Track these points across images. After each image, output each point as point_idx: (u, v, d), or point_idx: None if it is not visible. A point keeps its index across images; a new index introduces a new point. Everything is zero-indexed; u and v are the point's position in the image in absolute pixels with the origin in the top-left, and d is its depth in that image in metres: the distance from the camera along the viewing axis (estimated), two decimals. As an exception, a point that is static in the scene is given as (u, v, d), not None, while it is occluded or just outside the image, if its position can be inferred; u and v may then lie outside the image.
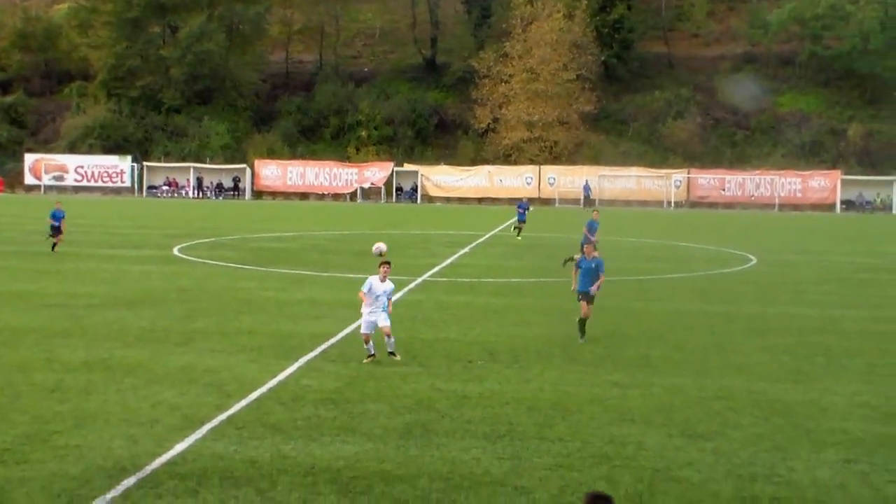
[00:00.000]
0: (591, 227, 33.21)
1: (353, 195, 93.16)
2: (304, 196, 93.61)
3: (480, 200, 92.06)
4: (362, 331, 17.21)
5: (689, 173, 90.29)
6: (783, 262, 37.58)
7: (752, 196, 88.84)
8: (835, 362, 18.29)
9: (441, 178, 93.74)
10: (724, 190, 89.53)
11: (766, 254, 40.52)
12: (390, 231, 51.20)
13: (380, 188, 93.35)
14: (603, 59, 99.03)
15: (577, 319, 19.77)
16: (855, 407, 14.90)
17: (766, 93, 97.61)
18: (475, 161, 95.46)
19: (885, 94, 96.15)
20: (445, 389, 15.51)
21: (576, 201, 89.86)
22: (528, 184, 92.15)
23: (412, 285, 28.27)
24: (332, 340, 19.42)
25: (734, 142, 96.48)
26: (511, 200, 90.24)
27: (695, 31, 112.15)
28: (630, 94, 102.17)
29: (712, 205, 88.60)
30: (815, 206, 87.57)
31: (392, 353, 17.21)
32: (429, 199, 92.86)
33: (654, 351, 18.98)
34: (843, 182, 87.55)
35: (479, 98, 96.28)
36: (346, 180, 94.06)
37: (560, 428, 13.45)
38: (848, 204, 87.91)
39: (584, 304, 19.69)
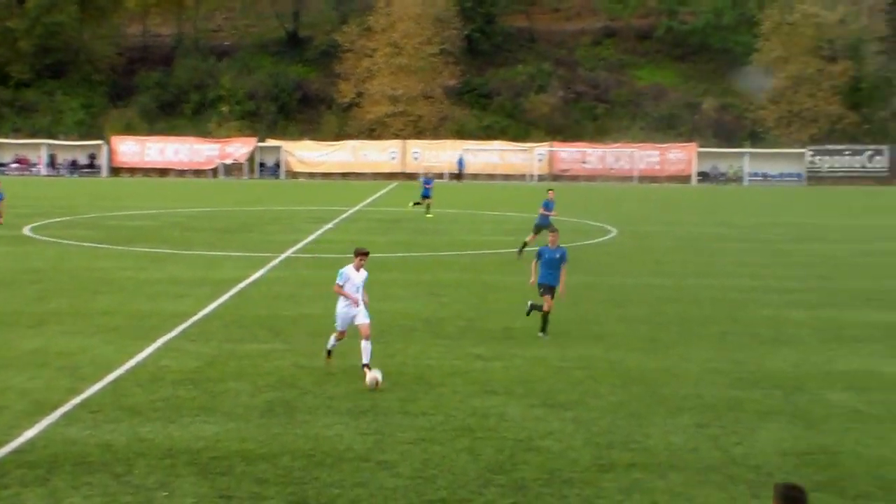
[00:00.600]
0: (548, 207, 31.08)
1: (214, 171, 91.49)
2: (163, 173, 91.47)
3: (345, 175, 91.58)
4: (338, 327, 15.33)
5: (551, 146, 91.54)
6: (642, 234, 38.51)
7: (613, 168, 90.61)
8: (689, 330, 18.85)
9: (305, 154, 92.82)
10: (585, 163, 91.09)
11: (626, 225, 41.45)
12: (253, 207, 50.55)
13: (242, 164, 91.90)
14: (466, 33, 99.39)
15: (541, 313, 18.08)
16: (707, 373, 15.39)
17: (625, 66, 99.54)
18: (339, 136, 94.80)
19: (737, 68, 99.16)
20: (308, 366, 15.42)
21: (440, 175, 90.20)
22: (392, 158, 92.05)
23: (275, 262, 27.99)
24: (193, 319, 19.09)
25: (595, 115, 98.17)
26: (375, 175, 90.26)
27: (556, 5, 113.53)
28: (493, 68, 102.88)
29: (574, 177, 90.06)
30: (673, 178, 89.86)
31: (366, 366, 14.53)
32: (292, 174, 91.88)
33: (517, 323, 19.21)
34: (699, 154, 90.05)
35: (343, 72, 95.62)
36: (208, 156, 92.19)
37: (423, 402, 13.51)
38: (703, 176, 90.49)
39: (547, 297, 18.08)
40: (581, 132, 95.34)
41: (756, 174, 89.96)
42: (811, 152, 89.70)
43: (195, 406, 13.15)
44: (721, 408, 13.44)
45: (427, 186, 46.75)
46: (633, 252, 32.20)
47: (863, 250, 33.47)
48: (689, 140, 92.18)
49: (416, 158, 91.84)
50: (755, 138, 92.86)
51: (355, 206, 52.18)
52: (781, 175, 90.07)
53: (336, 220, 42.71)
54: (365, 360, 14.62)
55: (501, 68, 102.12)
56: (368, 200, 57.15)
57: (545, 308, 18.04)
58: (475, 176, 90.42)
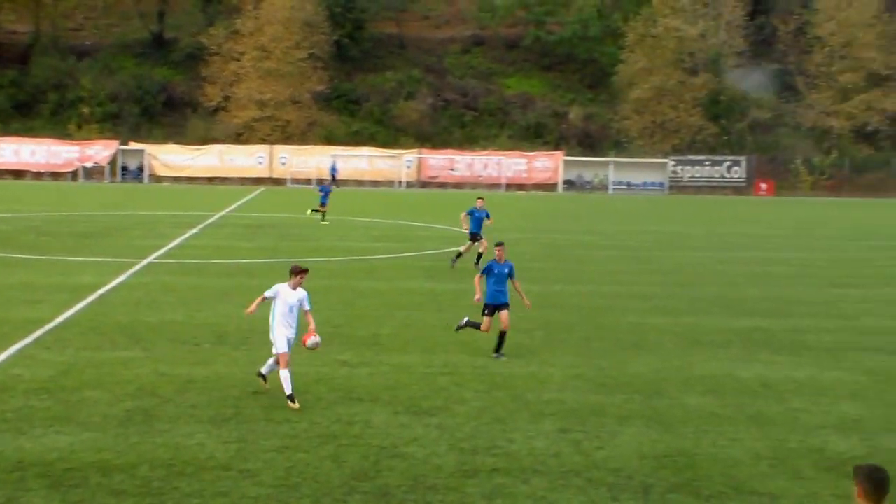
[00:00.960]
0: (472, 213, 29.58)
1: (74, 174, 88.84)
2: (18, 175, 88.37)
3: (211, 180, 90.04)
4: (279, 350, 13.73)
5: (419, 153, 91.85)
6: (509, 241, 38.61)
7: (481, 176, 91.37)
8: (553, 336, 19.11)
9: (169, 158, 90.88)
10: (453, 170, 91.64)
11: (493, 232, 41.70)
12: (115, 212, 49.27)
13: (103, 167, 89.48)
14: (335, 38, 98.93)
15: (498, 333, 16.87)
16: (570, 378, 15.61)
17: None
18: (205, 140, 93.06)
19: (603, 79, 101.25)
20: (170, 374, 15.08)
21: (308, 181, 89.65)
22: (259, 163, 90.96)
23: (137, 268, 27.32)
24: (49, 326, 18.46)
25: (463, 123, 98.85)
26: (243, 180, 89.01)
27: (426, 13, 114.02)
28: (362, 74, 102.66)
29: (442, 185, 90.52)
30: (539, 186, 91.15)
31: (291, 399, 13.44)
32: (157, 178, 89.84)
33: (383, 329, 19.19)
34: (565, 163, 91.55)
35: (210, 76, 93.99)
36: (67, 159, 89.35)
37: (287, 410, 13.34)
38: (569, 184, 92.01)
39: (487, 319, 16.97)
40: (450, 139, 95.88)
41: (620, 183, 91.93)
42: (673, 162, 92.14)
43: (49, 416, 12.71)
44: (583, 412, 13.65)
45: (322, 193, 46.12)
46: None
47: (722, 258, 34.47)
48: (556, 148, 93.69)
49: (283, 164, 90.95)
50: (619, 148, 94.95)
51: (221, 211, 51.34)
52: (645, 184, 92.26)
53: (201, 226, 41.93)
54: (288, 392, 13.51)
55: (370, 74, 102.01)
56: (235, 206, 56.32)
57: (483, 328, 16.97)
58: (344, 182, 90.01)
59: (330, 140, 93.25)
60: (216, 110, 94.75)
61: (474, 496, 10.37)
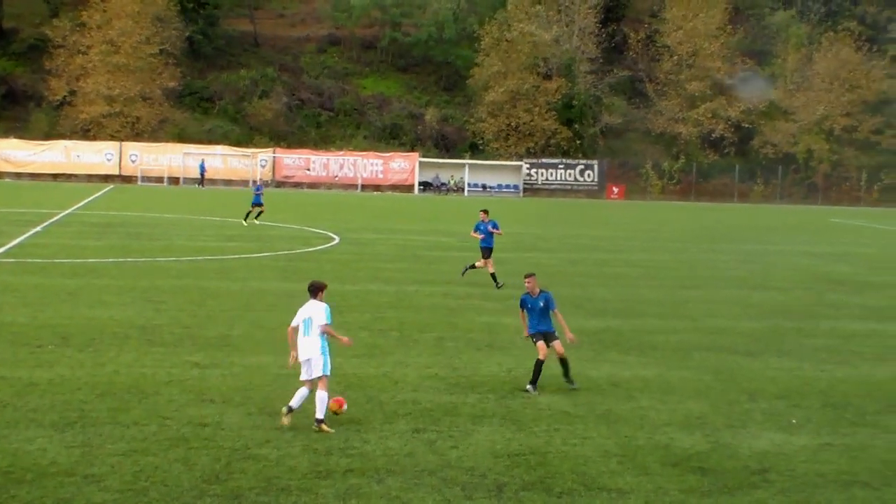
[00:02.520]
0: (478, 229, 27.83)
1: None
2: None
3: (56, 177, 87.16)
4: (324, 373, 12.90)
5: (274, 153, 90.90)
6: (364, 241, 38.81)
7: (337, 176, 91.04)
8: (408, 336, 19.12)
9: (11, 153, 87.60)
10: (309, 170, 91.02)
11: (348, 233, 41.66)
12: (-47, 208, 47.19)
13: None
14: (188, 34, 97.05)
15: (535, 363, 15.33)
16: (425, 378, 15.64)
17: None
18: (50, 135, 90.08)
19: (458, 81, 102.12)
20: (10, 377, 14.48)
21: (159, 179, 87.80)
22: (108, 160, 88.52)
23: (-24, 267, 26.21)
24: None
25: (319, 122, 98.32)
26: (90, 177, 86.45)
27: (281, 11, 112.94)
28: (216, 71, 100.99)
29: (298, 184, 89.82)
30: (396, 187, 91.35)
31: (320, 423, 12.61)
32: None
33: (235, 330, 18.88)
34: (421, 164, 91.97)
35: (54, 69, 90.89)
36: None
37: (136, 412, 12.99)
38: (425, 185, 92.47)
39: (541, 344, 15.41)
40: (305, 139, 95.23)
41: (476, 185, 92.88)
42: (528, 165, 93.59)
43: None
44: (438, 412, 13.68)
45: (258, 193, 44.90)
46: (354, 259, 32.38)
47: (574, 259, 35.14)
48: (412, 150, 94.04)
49: (133, 161, 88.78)
50: (475, 150, 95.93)
51: (67, 209, 49.74)
52: (500, 186, 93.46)
53: (45, 224, 40.53)
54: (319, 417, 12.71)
55: (224, 72, 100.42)
56: (82, 203, 54.65)
57: (540, 356, 15.23)
58: (197, 181, 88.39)
59: (182, 138, 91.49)
60: (61, 105, 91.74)
61: (328, 497, 10.27)
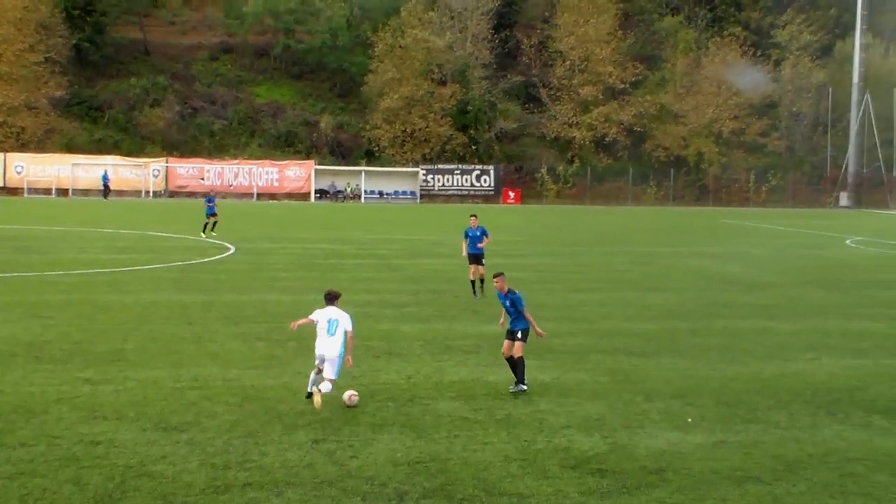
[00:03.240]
0: (468, 235, 27.23)
1: None
2: None
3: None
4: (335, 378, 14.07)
5: (167, 162, 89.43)
6: (260, 251, 38.38)
7: (232, 185, 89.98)
8: (306, 346, 18.79)
9: None
10: (203, 179, 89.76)
11: (244, 242, 41.16)
12: None
13: None
14: (74, 42, 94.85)
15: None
16: (324, 388, 15.48)
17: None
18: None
19: (353, 88, 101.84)
20: None
21: (47, 191, 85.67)
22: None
23: None
24: None
25: (212, 131, 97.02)
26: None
27: (171, 18, 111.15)
28: (105, 79, 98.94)
29: (192, 194, 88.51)
30: (292, 195, 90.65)
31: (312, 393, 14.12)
32: None
33: (129, 344, 18.47)
34: (317, 172, 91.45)
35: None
36: None
37: (23, 432, 12.58)
38: (322, 193, 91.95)
39: (506, 342, 15.96)
40: (198, 148, 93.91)
41: (373, 192, 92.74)
42: (424, 171, 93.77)
43: None
44: (337, 422, 13.56)
45: (210, 205, 44.61)
46: (250, 269, 31.99)
47: (470, 264, 35.21)
48: (307, 157, 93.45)
49: (19, 173, 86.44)
50: (371, 157, 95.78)
51: (-50, 222, 48.15)
52: (396, 193, 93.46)
53: (-73, 238, 39.17)
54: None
55: (113, 80, 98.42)
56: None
57: (504, 352, 15.89)
58: (86, 192, 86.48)
59: (71, 148, 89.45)
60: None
61: (226, 513, 10.10)
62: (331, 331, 14.08)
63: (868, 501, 11.07)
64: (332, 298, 14.57)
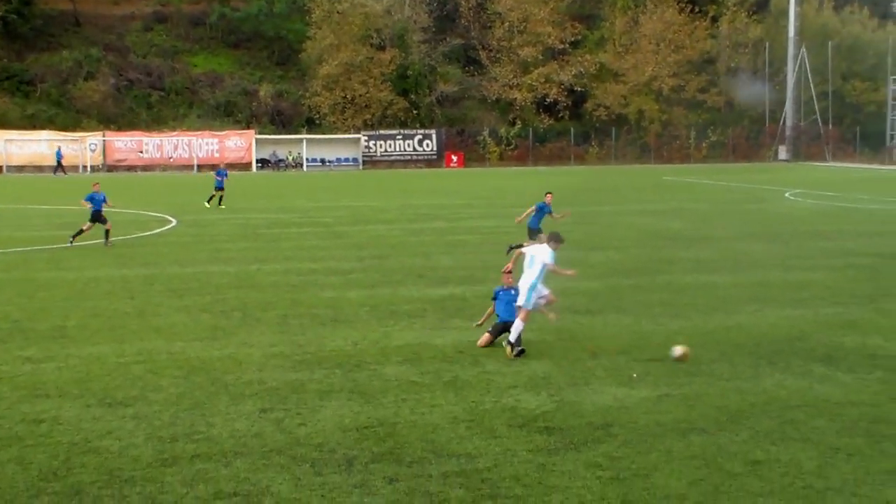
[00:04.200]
0: (540, 213, 27.61)
1: None
2: None
3: None
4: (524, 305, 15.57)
5: (104, 136, 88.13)
6: (202, 223, 38.06)
7: (171, 158, 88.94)
8: (251, 316, 18.84)
9: None
10: (142, 152, 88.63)
11: (186, 215, 40.79)
12: None
13: None
14: (0, 14, 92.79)
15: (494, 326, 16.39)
16: (270, 357, 15.44)
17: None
18: None
19: (291, 55, 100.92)
20: None
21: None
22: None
23: None
24: None
25: (150, 103, 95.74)
26: None
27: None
28: (35, 53, 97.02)
29: (131, 167, 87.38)
30: (233, 166, 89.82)
31: (510, 344, 15.32)
32: None
33: (70, 321, 18.25)
34: (258, 141, 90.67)
35: None
36: None
37: (-35, 413, 12.41)
38: (263, 162, 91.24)
39: (488, 335, 16.17)
40: (136, 121, 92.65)
41: (314, 160, 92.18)
42: (366, 137, 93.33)
43: None
44: (284, 391, 13.53)
45: (219, 178, 45.38)
46: (193, 241, 31.73)
47: (415, 229, 35.24)
48: (248, 127, 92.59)
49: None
50: (312, 125, 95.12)
51: None
52: (339, 160, 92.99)
53: None
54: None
55: (45, 53, 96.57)
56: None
57: (480, 342, 16.15)
58: (21, 168, 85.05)
59: (2, 124, 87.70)
60: None
61: (174, 484, 10.04)
62: (530, 264, 15.54)
63: (807, 446, 11.29)
64: (550, 239, 15.91)
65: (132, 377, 14.21)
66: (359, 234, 33.92)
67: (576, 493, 9.89)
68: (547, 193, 28.60)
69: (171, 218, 39.16)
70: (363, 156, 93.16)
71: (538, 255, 15.57)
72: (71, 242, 29.59)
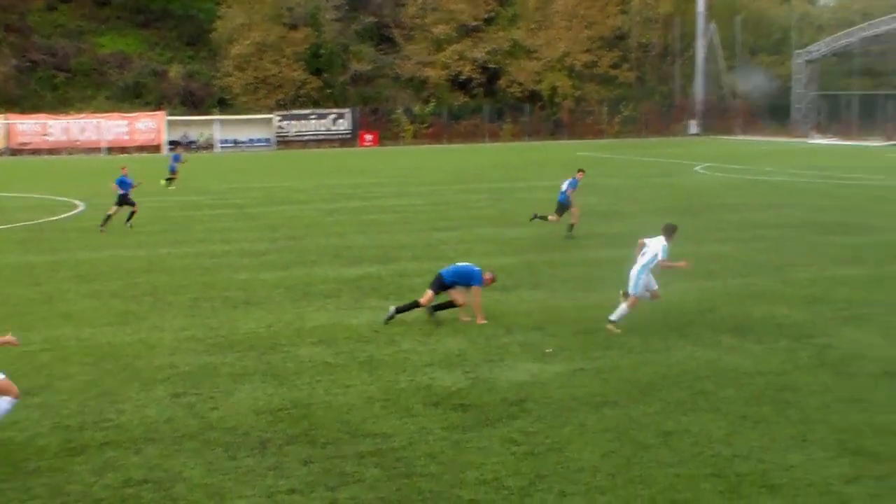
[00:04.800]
0: (573, 185, 27.59)
1: None
2: None
3: None
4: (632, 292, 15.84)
5: (7, 119, 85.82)
6: (107, 206, 37.24)
7: (78, 140, 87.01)
8: (161, 300, 18.55)
9: None
10: (47, 135, 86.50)
11: (95, 199, 39.90)
12: None
13: None
14: None
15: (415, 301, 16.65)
16: (182, 341, 15.23)
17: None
18: None
19: (202, 35, 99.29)
20: None
21: None
22: None
23: None
24: None
25: (55, 85, 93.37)
26: None
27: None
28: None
29: (35, 151, 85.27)
30: (143, 148, 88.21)
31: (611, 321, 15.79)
32: None
33: (-26, 309, 17.78)
34: (169, 123, 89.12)
35: None
36: None
37: None
38: (174, 144, 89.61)
39: (431, 293, 16.48)
40: (40, 103, 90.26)
41: (227, 141, 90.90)
42: (279, 117, 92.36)
43: None
44: (197, 375, 13.36)
45: (174, 163, 46.65)
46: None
47: (329, 209, 35.00)
48: (158, 109, 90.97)
49: None
50: (224, 105, 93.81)
51: None
52: (251, 141, 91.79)
53: None
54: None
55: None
56: None
57: (422, 301, 16.43)
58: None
59: None
60: None
61: (82, 473, 9.85)
62: (643, 253, 15.67)
63: (716, 416, 11.49)
64: (664, 231, 15.73)
65: (39, 365, 13.91)
66: (272, 215, 33.57)
67: (490, 469, 9.93)
68: (579, 171, 28.74)
69: (78, 202, 38.33)
70: (277, 136, 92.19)
71: (651, 248, 15.62)
72: (102, 229, 29.19)
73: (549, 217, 27.42)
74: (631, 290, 15.68)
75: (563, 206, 27.26)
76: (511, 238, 26.79)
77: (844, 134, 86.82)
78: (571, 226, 27.18)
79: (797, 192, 38.96)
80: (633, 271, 15.71)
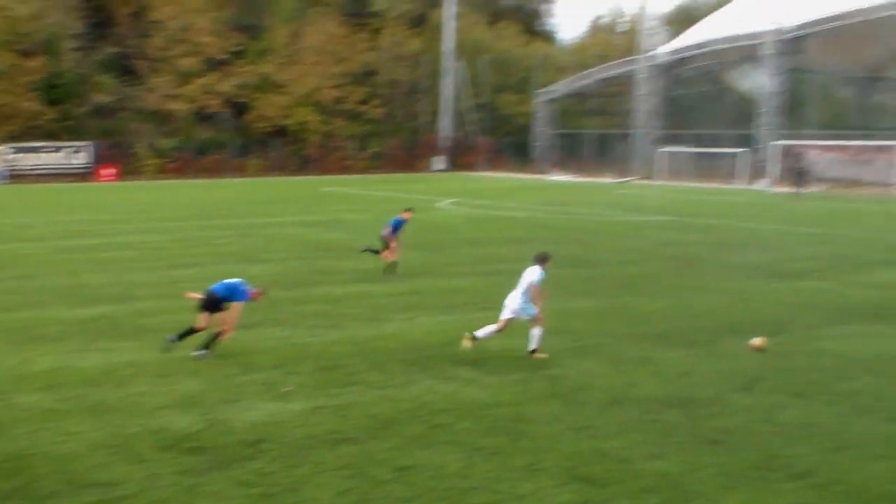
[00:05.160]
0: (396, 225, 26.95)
1: None
2: None
3: None
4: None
5: None
6: None
7: None
8: None
9: None
10: None
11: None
12: None
13: None
14: None
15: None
16: None
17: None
18: None
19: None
20: None
21: None
22: None
23: None
24: None
25: None
26: None
27: None
28: None
29: None
30: None
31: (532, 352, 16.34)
32: None
33: None
34: None
35: None
36: None
37: None
38: None
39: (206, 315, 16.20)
40: None
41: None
42: (12, 150, 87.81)
43: None
44: None
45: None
46: None
47: (63, 247, 33.37)
48: None
49: None
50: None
51: None
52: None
53: None
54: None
55: None
56: None
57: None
58: None
59: None
60: None
61: None
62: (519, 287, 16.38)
63: (453, 448, 11.62)
64: (536, 259, 16.62)
65: None
66: None
67: (222, 514, 9.63)
68: (406, 210, 28.03)
69: None
70: (9, 170, 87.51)
71: (526, 276, 16.41)
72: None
73: (385, 255, 26.85)
74: (528, 312, 16.36)
75: (385, 242, 26.89)
76: (255, 274, 26.27)
77: (581, 171, 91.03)
78: (392, 263, 26.70)
79: (537, 227, 40.39)
80: (510, 298, 16.52)
